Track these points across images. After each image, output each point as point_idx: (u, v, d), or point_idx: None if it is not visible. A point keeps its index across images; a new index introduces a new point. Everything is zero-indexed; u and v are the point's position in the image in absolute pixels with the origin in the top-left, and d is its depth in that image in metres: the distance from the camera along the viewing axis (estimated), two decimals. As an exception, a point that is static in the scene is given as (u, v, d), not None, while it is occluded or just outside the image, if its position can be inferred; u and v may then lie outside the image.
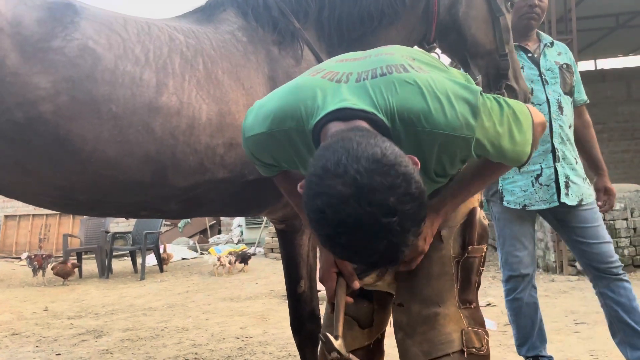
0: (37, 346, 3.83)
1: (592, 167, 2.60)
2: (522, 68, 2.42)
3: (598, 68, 11.95)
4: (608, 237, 2.41)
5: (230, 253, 7.80)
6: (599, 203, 2.54)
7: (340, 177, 0.94)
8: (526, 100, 1.99)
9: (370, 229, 0.94)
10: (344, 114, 1.12)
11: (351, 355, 1.27)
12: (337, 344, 1.23)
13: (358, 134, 1.03)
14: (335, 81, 1.19)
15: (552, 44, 2.54)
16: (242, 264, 7.29)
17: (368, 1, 1.90)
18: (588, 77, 2.62)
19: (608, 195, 2.55)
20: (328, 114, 1.13)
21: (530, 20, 2.47)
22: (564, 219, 2.43)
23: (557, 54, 2.52)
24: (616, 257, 2.39)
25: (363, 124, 1.10)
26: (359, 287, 1.34)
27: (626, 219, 5.55)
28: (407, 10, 1.94)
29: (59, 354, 3.59)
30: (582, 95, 2.56)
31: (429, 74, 1.18)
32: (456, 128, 1.10)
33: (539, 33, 2.57)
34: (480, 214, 1.42)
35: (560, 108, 2.42)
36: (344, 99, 1.14)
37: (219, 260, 7.23)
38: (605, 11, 8.02)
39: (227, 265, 7.13)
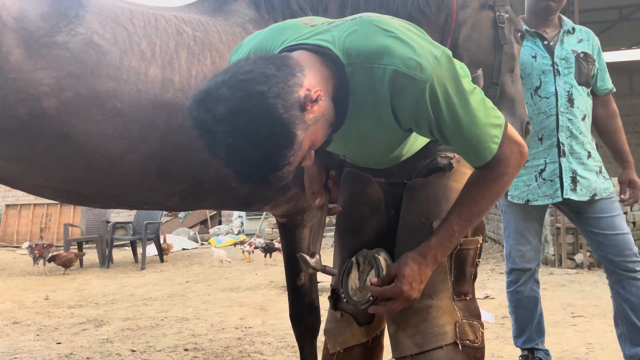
0: (37, 335, 3.86)
1: (616, 158, 2.52)
2: (535, 57, 2.39)
3: (600, 61, 11.89)
4: (626, 229, 2.33)
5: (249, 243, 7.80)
6: (623, 196, 2.47)
7: (201, 85, 1.03)
8: (523, 130, 1.90)
9: (207, 136, 1.01)
10: (293, 49, 1.15)
11: (327, 268, 1.37)
12: (312, 261, 1.34)
13: (263, 56, 1.08)
14: (310, 25, 1.23)
15: (573, 30, 2.45)
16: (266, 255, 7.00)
17: (395, 5, 1.85)
18: (590, 70, 2.60)
19: (633, 188, 2.46)
20: (284, 48, 1.17)
21: (549, 2, 2.38)
22: (578, 210, 2.39)
23: (578, 41, 2.43)
24: (635, 250, 2.30)
25: (303, 54, 1.12)
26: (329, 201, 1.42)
27: (626, 213, 5.56)
28: (433, 18, 1.88)
29: (59, 343, 3.61)
30: (606, 84, 2.47)
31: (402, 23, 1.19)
32: (410, 66, 1.08)
33: (561, 18, 2.48)
34: None
35: (571, 100, 2.36)
36: (304, 36, 1.18)
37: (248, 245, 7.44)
38: (608, 4, 7.98)
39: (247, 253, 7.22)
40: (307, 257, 1.35)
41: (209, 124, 1.00)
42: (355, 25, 1.16)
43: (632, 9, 8.40)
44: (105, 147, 1.61)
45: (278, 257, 6.72)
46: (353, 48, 1.12)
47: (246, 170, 1.04)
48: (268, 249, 6.87)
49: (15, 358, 3.29)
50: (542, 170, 2.39)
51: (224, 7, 1.89)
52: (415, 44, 1.11)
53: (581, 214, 2.39)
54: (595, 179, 2.36)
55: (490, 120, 1.15)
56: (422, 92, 1.09)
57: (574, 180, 2.35)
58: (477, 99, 1.14)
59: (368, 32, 1.14)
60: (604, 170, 2.42)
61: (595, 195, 2.34)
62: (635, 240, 5.49)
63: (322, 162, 1.45)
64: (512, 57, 1.87)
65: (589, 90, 2.43)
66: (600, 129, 2.52)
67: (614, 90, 2.52)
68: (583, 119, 2.40)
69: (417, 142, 1.35)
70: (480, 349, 1.32)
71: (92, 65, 1.57)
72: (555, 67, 2.39)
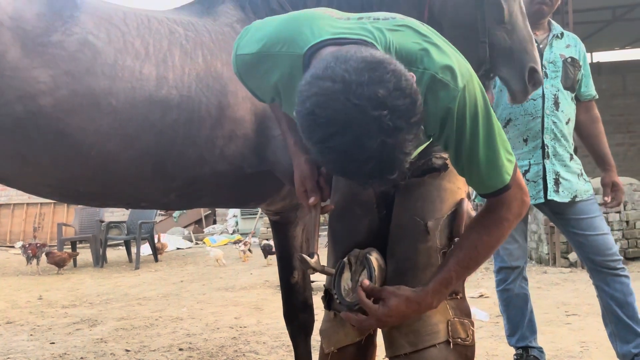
0: (31, 335, 3.84)
1: (599, 162, 2.55)
2: None
3: (594, 61, 11.97)
4: (606, 229, 2.36)
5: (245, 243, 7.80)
6: (606, 198, 2.50)
7: (329, 77, 0.93)
8: (526, 78, 1.74)
9: (360, 125, 0.90)
10: (340, 42, 1.09)
11: (326, 268, 1.35)
12: (312, 261, 1.32)
13: (349, 46, 1.02)
14: (336, 17, 1.20)
15: (562, 35, 2.48)
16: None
17: None
18: (584, 70, 2.62)
19: (615, 190, 2.49)
20: (323, 40, 1.11)
21: (541, 5, 2.40)
22: (559, 211, 2.42)
23: (566, 46, 2.46)
24: (615, 249, 2.33)
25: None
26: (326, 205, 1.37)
27: (619, 212, 5.59)
28: None
29: (53, 343, 3.60)
30: (589, 90, 2.51)
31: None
32: (446, 74, 1.09)
33: (550, 22, 2.51)
34: (468, 205, 1.40)
35: (557, 104, 2.39)
36: (341, 30, 1.13)
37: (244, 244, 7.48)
38: (601, 4, 8.02)
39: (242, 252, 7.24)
40: (307, 258, 1.34)
41: (366, 110, 0.90)
42: (391, 25, 1.16)
43: (625, 9, 8.44)
44: (101, 144, 1.63)
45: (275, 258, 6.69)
46: (392, 48, 1.12)
47: (396, 157, 0.94)
48: (266, 251, 6.85)
49: (8, 358, 3.28)
50: (526, 172, 2.41)
51: (211, 9, 1.94)
52: (450, 53, 1.13)
53: (562, 215, 2.42)
54: (576, 181, 2.40)
55: (505, 154, 1.16)
56: (452, 101, 1.10)
57: (557, 182, 2.38)
58: (498, 125, 1.15)
59: (405, 34, 1.14)
60: (584, 172, 2.46)
61: (576, 197, 2.37)
62: (628, 239, 5.58)
63: (313, 160, 1.39)
64: (498, 5, 1.70)
65: (573, 95, 2.46)
66: (583, 133, 2.55)
67: (597, 97, 2.55)
68: (567, 122, 2.44)
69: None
70: (471, 347, 1.33)
71: (87, 64, 1.59)
72: (544, 70, 2.40)
